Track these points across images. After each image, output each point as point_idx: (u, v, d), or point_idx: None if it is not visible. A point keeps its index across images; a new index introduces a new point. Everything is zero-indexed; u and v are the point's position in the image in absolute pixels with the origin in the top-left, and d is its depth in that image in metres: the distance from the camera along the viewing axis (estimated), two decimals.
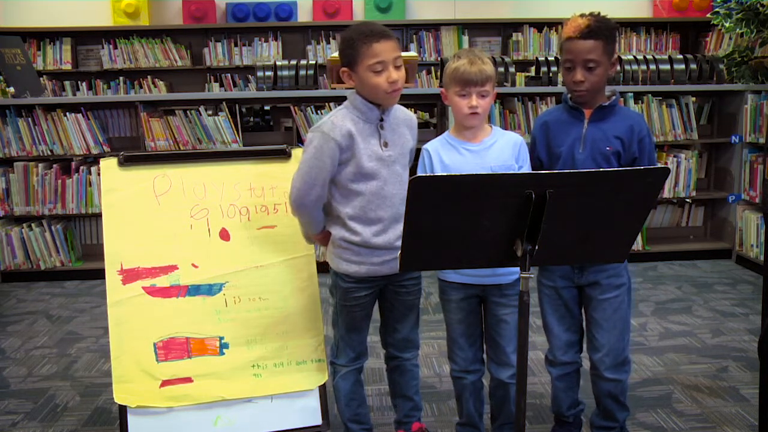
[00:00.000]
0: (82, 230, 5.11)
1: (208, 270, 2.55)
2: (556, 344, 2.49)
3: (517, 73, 5.42)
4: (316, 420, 2.62)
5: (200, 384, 2.53)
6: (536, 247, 1.76)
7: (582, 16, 2.29)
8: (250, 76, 7.25)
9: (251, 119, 5.94)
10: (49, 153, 4.76)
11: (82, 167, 4.79)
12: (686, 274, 4.76)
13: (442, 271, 2.38)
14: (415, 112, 5.82)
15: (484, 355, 2.46)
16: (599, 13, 2.31)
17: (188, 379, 2.53)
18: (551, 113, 2.46)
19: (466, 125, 2.29)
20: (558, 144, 2.37)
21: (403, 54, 2.98)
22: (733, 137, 4.97)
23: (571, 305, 2.45)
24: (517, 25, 7.41)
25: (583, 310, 2.47)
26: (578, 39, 2.26)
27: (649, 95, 4.89)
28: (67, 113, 4.74)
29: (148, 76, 7.36)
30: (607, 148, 2.31)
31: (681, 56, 5.24)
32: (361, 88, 2.24)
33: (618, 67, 3.00)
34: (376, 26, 2.21)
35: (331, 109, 4.70)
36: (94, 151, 4.78)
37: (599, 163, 2.31)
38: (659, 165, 2.46)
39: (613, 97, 2.36)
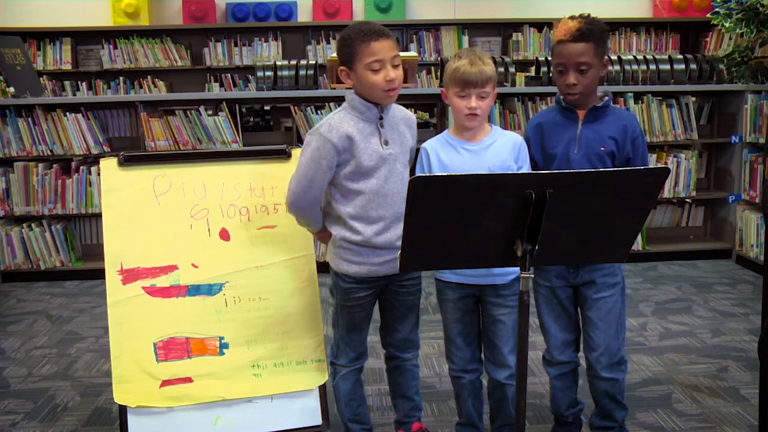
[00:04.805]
0: (82, 230, 5.11)
1: (208, 270, 2.55)
2: (552, 344, 2.49)
3: (517, 73, 5.42)
4: (316, 420, 2.62)
5: (200, 384, 2.53)
6: (536, 247, 1.76)
7: (572, 18, 2.29)
8: (250, 76, 7.25)
9: (251, 119, 5.95)
10: (49, 153, 4.76)
11: (82, 167, 4.79)
12: (686, 274, 4.75)
13: (439, 270, 2.39)
14: (415, 112, 5.82)
15: (482, 355, 2.47)
16: (589, 15, 2.30)
17: (188, 379, 2.53)
18: (544, 115, 2.47)
19: (465, 126, 2.29)
20: (553, 145, 2.37)
21: (404, 54, 2.99)
22: (733, 137, 4.97)
23: (567, 304, 2.45)
24: (517, 25, 7.41)
25: (579, 310, 2.48)
26: (569, 42, 2.26)
27: (649, 95, 4.88)
28: (67, 113, 4.73)
29: (148, 76, 7.36)
30: (602, 149, 2.32)
31: (681, 56, 5.23)
32: (358, 86, 2.25)
33: (610, 68, 2.99)
34: (375, 25, 2.21)
35: (331, 109, 4.71)
36: (94, 151, 4.78)
37: (594, 164, 2.31)
38: (659, 165, 2.46)
39: (606, 98, 2.36)
